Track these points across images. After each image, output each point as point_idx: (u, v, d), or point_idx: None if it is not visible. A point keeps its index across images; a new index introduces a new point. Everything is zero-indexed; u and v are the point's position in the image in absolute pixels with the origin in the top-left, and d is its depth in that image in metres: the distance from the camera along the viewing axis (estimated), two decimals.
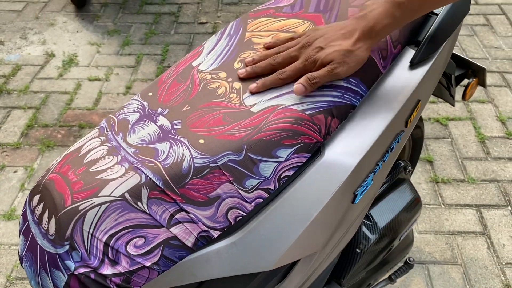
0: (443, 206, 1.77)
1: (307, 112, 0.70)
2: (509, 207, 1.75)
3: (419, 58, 0.82)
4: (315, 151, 0.73)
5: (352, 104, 0.75)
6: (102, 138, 0.70)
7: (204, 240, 0.66)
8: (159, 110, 0.72)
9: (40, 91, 2.33)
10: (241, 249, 0.69)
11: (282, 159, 0.69)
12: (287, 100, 0.72)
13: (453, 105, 1.36)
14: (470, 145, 2.00)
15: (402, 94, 0.79)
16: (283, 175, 0.69)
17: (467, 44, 2.58)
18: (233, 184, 0.66)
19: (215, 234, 0.67)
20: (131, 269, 0.63)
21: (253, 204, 0.68)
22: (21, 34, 2.75)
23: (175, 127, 0.69)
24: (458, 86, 1.23)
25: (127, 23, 2.85)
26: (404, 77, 0.81)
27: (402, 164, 1.03)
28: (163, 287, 0.67)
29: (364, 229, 0.97)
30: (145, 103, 0.74)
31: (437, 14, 0.84)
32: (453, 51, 1.19)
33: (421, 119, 1.32)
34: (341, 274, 0.98)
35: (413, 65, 0.82)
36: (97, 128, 0.73)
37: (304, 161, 0.71)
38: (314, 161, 0.72)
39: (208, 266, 0.68)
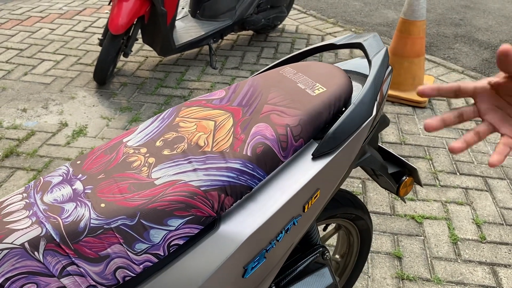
0: None
1: (202, 188, 0.81)
2: None
3: (320, 152, 0.93)
4: (210, 224, 0.82)
5: (248, 185, 0.85)
6: (25, 194, 0.82)
7: None
8: (79, 176, 0.85)
9: (46, 155, 2.53)
10: None
11: (173, 228, 0.78)
12: (187, 176, 0.83)
13: (404, 201, 1.43)
14: (442, 245, 2.01)
15: (299, 181, 0.89)
16: (172, 243, 0.78)
17: None
18: (123, 245, 0.75)
19: None
20: None
21: (141, 266, 0.76)
22: (43, 104, 3.04)
23: (86, 191, 0.81)
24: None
25: (140, 102, 3.10)
26: (304, 167, 0.92)
27: (321, 249, 1.09)
28: None
29: None
30: (70, 170, 0.87)
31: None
32: (391, 151, 1.30)
33: (367, 212, 1.39)
34: None
35: (315, 157, 0.93)
36: (25, 187, 0.86)
37: (195, 232, 0.80)
38: (208, 233, 0.82)
39: None
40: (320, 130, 0.97)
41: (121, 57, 3.69)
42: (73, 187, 0.82)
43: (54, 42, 3.92)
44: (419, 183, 1.30)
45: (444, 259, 1.95)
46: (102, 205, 0.78)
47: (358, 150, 1.00)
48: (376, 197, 2.28)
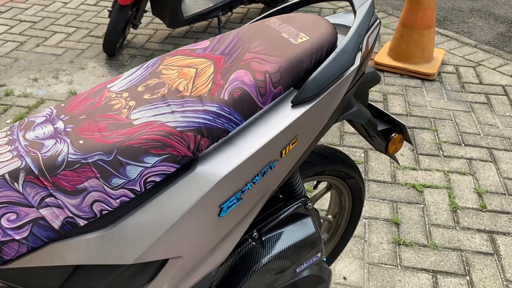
0: (399, 267, 1.77)
1: (178, 129, 0.83)
2: (467, 277, 1.73)
3: (299, 99, 0.94)
4: (187, 164, 0.85)
5: (225, 129, 0.87)
6: (8, 132, 0.86)
7: (70, 226, 0.78)
8: (62, 116, 0.88)
9: None
10: (107, 241, 0.80)
11: (149, 165, 0.81)
12: (165, 118, 0.85)
13: (397, 162, 1.43)
14: (441, 213, 2.01)
15: (277, 127, 0.91)
16: (149, 180, 0.81)
17: (462, 119, 2.63)
18: (99, 180, 0.78)
19: (81, 222, 0.78)
20: (2, 239, 0.75)
21: (118, 201, 0.80)
22: (54, 74, 3.10)
23: (66, 129, 0.84)
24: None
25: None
26: (283, 113, 0.93)
27: (303, 199, 1.11)
28: (37, 264, 0.78)
29: (252, 251, 1.04)
30: (54, 111, 0.90)
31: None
32: (381, 109, 1.30)
33: (358, 171, 1.40)
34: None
35: (294, 105, 0.94)
36: (9, 126, 0.89)
37: (172, 170, 0.83)
38: (185, 173, 0.84)
39: (76, 252, 0.79)
40: (301, 79, 0.97)
41: (131, 30, 3.71)
42: (55, 126, 0.85)
43: (67, 15, 3.97)
44: (409, 141, 1.30)
45: (443, 226, 1.95)
46: (81, 141, 0.81)
47: (340, 101, 1.01)
48: (377, 166, 2.28)
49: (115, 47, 3.19)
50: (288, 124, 0.92)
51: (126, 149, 0.80)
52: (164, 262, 0.87)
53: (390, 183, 2.17)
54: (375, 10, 3.71)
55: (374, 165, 2.29)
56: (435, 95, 2.86)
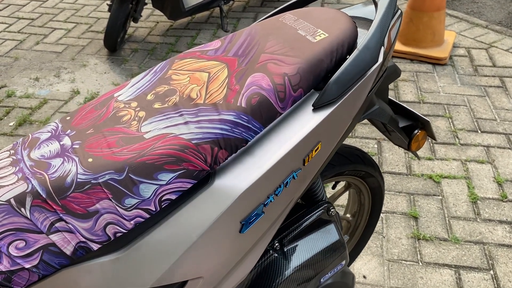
0: (420, 263, 1.71)
1: (193, 141, 0.77)
2: (491, 272, 1.67)
3: (321, 102, 0.87)
4: (204, 178, 0.79)
5: (244, 138, 0.80)
6: (12, 151, 0.80)
7: (82, 251, 0.72)
8: (68, 131, 0.82)
9: None
10: (123, 265, 0.74)
11: (163, 183, 0.75)
12: (178, 129, 0.79)
13: (417, 157, 1.37)
14: (461, 204, 1.95)
15: (299, 133, 0.84)
16: (164, 198, 0.75)
17: (477, 104, 2.55)
18: (111, 201, 0.72)
19: (94, 246, 0.73)
20: (12, 268, 0.69)
21: (132, 222, 0.74)
22: (55, 72, 3.03)
23: (73, 146, 0.78)
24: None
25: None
26: (304, 118, 0.86)
27: (326, 205, 1.05)
28: None
29: (274, 263, 0.99)
30: (59, 125, 0.84)
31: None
32: (402, 104, 1.23)
33: (377, 169, 1.34)
34: None
35: (316, 108, 0.87)
36: (13, 144, 0.83)
37: (188, 186, 0.77)
38: (203, 188, 0.78)
39: (90, 278, 0.74)
40: (322, 79, 0.90)
41: (132, 23, 3.63)
42: (61, 143, 0.79)
43: (65, 10, 3.88)
44: (433, 137, 1.24)
45: (463, 218, 1.89)
46: (90, 159, 0.75)
47: (363, 100, 0.94)
48: (392, 157, 2.21)
49: (116, 42, 3.11)
50: (310, 130, 0.85)
51: (138, 166, 0.74)
52: (183, 284, 0.82)
53: (406, 175, 2.11)
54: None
55: (388, 156, 2.22)
56: (448, 80, 2.78)
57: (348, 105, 0.90)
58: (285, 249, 1.01)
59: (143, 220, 0.75)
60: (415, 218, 1.90)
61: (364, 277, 1.67)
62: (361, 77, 0.90)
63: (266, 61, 0.89)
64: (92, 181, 0.72)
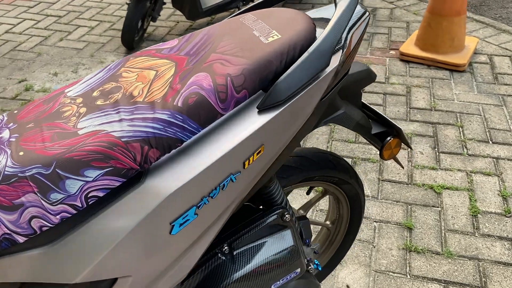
0: (408, 276, 1.65)
1: (123, 139, 0.77)
2: None
3: (266, 104, 0.85)
4: (135, 177, 0.79)
5: (178, 138, 0.80)
6: None
7: (8, 242, 0.74)
8: (10, 124, 0.83)
9: None
10: (50, 258, 0.75)
11: (90, 179, 0.75)
12: (111, 127, 0.79)
13: (402, 166, 1.32)
14: (460, 217, 1.87)
15: (239, 135, 0.83)
16: (90, 194, 0.75)
17: (492, 113, 2.44)
18: (37, 194, 0.73)
19: (19, 239, 0.74)
20: None
21: (58, 217, 0.74)
22: (73, 68, 3.12)
23: (10, 139, 0.79)
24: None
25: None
26: (248, 120, 0.84)
27: (280, 210, 1.03)
28: None
29: (222, 266, 0.97)
30: (5, 118, 0.86)
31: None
32: (377, 110, 1.19)
33: (354, 176, 1.30)
34: None
35: (261, 110, 0.85)
36: None
37: (116, 184, 0.77)
38: (133, 187, 0.78)
39: (19, 269, 0.75)
40: (270, 82, 0.88)
41: (152, 22, 3.69)
42: (0, 136, 0.81)
43: (91, 8, 4.00)
44: (408, 145, 1.19)
45: (460, 232, 1.81)
46: (21, 153, 0.76)
47: (315, 105, 0.91)
48: (394, 165, 2.15)
49: (133, 40, 3.18)
50: (252, 132, 0.83)
51: (65, 161, 0.74)
52: (113, 281, 0.82)
53: (406, 184, 2.04)
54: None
55: (390, 163, 2.16)
56: (464, 87, 2.67)
57: (296, 109, 0.88)
58: (234, 253, 0.99)
59: (69, 215, 0.75)
60: (410, 229, 1.83)
61: (348, 286, 1.62)
62: (311, 81, 0.88)
63: (214, 61, 0.88)
64: (19, 174, 0.73)
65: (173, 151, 0.81)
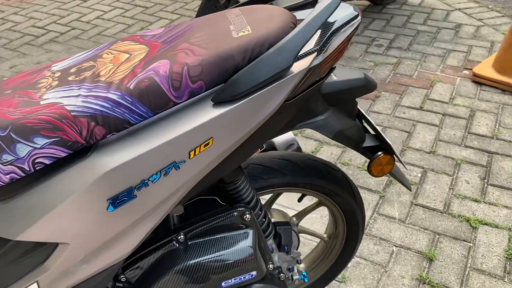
0: None
1: (73, 113, 0.81)
2: None
3: (220, 98, 0.84)
4: (83, 151, 0.83)
5: (125, 119, 0.82)
6: None
7: None
8: None
9: None
10: (0, 214, 0.82)
11: (38, 146, 0.80)
12: (67, 100, 0.83)
13: (409, 189, 1.23)
14: (491, 257, 1.68)
15: (188, 124, 0.83)
16: (37, 160, 0.81)
17: None
18: None
19: None
20: None
21: (8, 177, 0.81)
22: None
23: None
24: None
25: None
26: (201, 111, 0.85)
27: (241, 208, 1.00)
28: None
29: (173, 253, 0.98)
30: None
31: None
32: (373, 123, 1.12)
33: (349, 190, 1.23)
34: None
35: (215, 103, 0.85)
36: None
37: (62, 155, 0.81)
38: (78, 160, 0.82)
39: None
40: (230, 76, 0.87)
41: None
42: None
43: (176, 2, 4.21)
44: (401, 162, 1.10)
45: (487, 273, 1.63)
46: None
47: (278, 106, 0.88)
48: (432, 190, 1.99)
49: None
50: (201, 123, 0.83)
51: (19, 127, 0.80)
52: (55, 247, 0.87)
53: (441, 212, 1.88)
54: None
55: (429, 188, 2.00)
56: None
57: (253, 106, 0.86)
58: (189, 243, 1.00)
59: (18, 177, 0.81)
60: (430, 260, 1.69)
61: None
62: (273, 80, 0.85)
63: (180, 50, 0.89)
64: None
65: (123, 132, 0.84)
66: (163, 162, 0.84)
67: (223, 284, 1.02)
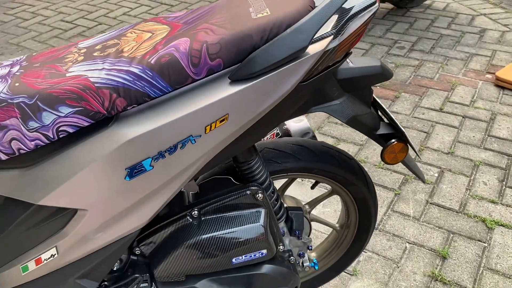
0: None
1: (96, 84, 0.85)
2: None
3: (237, 75, 0.87)
4: (104, 122, 0.87)
5: (145, 92, 0.86)
6: None
7: None
8: (23, 62, 0.97)
9: None
10: (24, 179, 0.87)
11: (62, 115, 0.85)
12: (92, 73, 0.87)
13: (423, 181, 1.24)
14: (507, 258, 1.66)
15: (205, 100, 0.86)
16: (61, 128, 0.85)
17: None
18: (19, 120, 0.85)
19: (2, 156, 0.86)
20: None
21: (33, 143, 0.85)
22: None
23: (16, 73, 0.92)
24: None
25: None
26: (218, 88, 0.88)
27: (254, 187, 1.02)
28: None
29: (186, 227, 1.01)
30: (23, 57, 1.00)
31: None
32: (387, 110, 1.13)
33: (363, 180, 1.24)
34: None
35: (232, 81, 0.88)
36: None
37: (84, 124, 0.85)
38: (100, 130, 0.86)
39: (0, 184, 0.88)
40: (248, 55, 0.90)
41: None
42: (11, 69, 0.94)
43: (201, 1, 4.28)
44: (414, 150, 1.11)
45: (502, 273, 1.61)
46: (17, 84, 0.88)
47: (292, 87, 0.90)
48: (448, 190, 1.98)
49: None
50: (218, 99, 0.86)
51: (46, 96, 0.85)
52: (74, 213, 0.91)
53: (456, 212, 1.87)
54: None
55: (445, 188, 1.99)
56: None
57: (269, 85, 0.89)
58: (202, 218, 1.03)
59: (43, 144, 0.85)
60: (444, 258, 1.68)
61: None
62: (290, 60, 0.88)
63: (200, 30, 0.92)
64: (9, 101, 0.86)
65: (143, 105, 0.88)
66: (180, 135, 0.87)
67: (233, 260, 1.04)
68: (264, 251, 1.05)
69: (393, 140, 1.09)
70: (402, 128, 1.08)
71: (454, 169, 2.10)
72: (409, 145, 1.10)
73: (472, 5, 3.91)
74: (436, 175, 2.07)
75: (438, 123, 2.43)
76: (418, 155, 1.13)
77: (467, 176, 2.06)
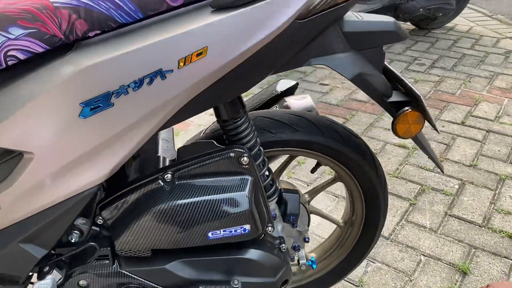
0: None
1: (55, 4, 0.72)
2: None
3: (222, 3, 0.74)
4: (63, 49, 0.74)
5: (111, 16, 0.73)
6: None
7: None
8: None
9: None
10: None
11: (12, 37, 0.72)
12: None
13: (442, 171, 1.07)
14: None
15: (177, 28, 0.73)
16: (10, 53, 0.72)
17: None
18: None
19: None
20: None
21: None
22: None
23: None
24: None
25: None
26: (196, 16, 0.75)
27: (237, 149, 0.86)
28: None
29: (157, 192, 0.85)
30: None
31: None
32: (399, 75, 0.97)
33: (370, 161, 1.07)
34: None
35: (215, 10, 0.75)
36: None
37: (38, 50, 0.72)
38: (56, 58, 0.73)
39: None
40: None
41: None
42: None
43: None
44: (433, 125, 0.94)
45: None
46: None
47: (284, 23, 0.76)
48: (470, 203, 1.78)
49: None
50: (195, 27, 0.73)
51: None
52: (19, 160, 0.77)
53: (479, 226, 1.66)
54: None
55: (467, 200, 1.79)
56: None
57: (257, 17, 0.75)
58: (176, 182, 0.87)
59: None
60: (464, 273, 1.47)
61: None
62: None
63: None
64: None
65: (109, 34, 0.75)
66: (146, 68, 0.73)
67: (210, 234, 0.87)
68: (247, 227, 0.88)
69: (406, 108, 0.93)
70: (419, 93, 0.92)
71: (477, 182, 1.90)
72: (425, 116, 0.93)
73: (497, 29, 3.77)
74: (457, 187, 1.88)
75: (460, 136, 2.25)
76: (436, 129, 0.97)
77: (491, 189, 1.85)
